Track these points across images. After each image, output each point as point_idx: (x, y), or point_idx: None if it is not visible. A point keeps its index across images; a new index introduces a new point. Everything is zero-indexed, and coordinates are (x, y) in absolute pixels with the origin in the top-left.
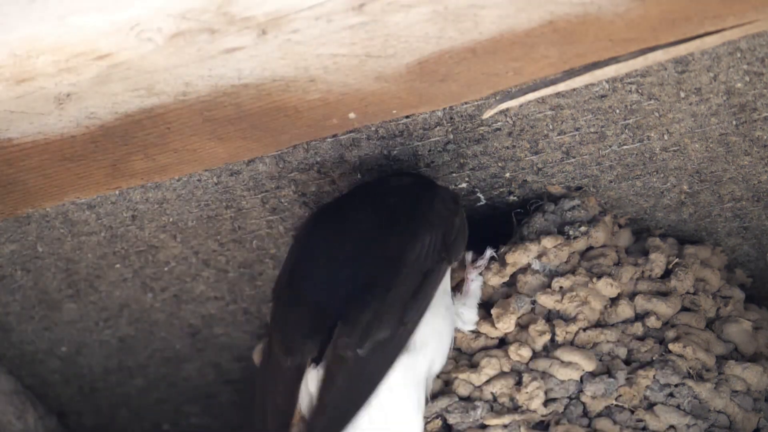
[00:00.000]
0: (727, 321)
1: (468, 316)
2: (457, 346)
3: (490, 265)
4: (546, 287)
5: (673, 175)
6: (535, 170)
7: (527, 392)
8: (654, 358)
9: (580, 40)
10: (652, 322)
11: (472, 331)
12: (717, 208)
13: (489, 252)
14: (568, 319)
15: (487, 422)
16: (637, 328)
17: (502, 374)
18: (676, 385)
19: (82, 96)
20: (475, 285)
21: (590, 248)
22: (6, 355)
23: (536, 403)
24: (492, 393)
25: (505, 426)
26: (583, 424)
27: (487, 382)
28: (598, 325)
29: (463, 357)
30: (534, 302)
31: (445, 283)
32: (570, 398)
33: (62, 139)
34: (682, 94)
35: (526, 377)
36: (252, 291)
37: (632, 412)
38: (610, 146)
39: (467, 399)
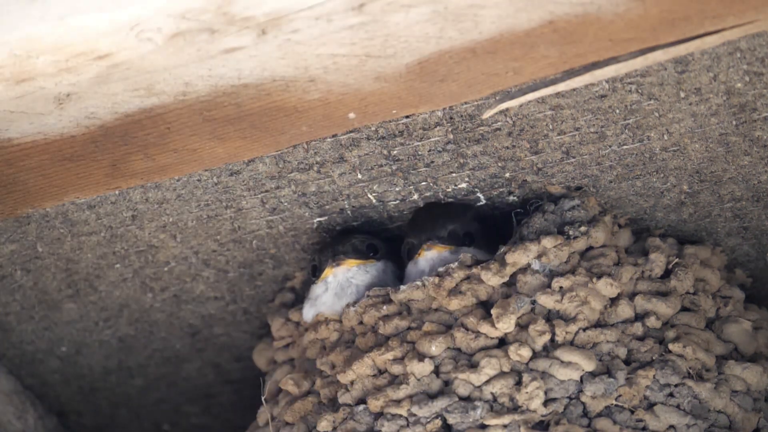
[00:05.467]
0: (727, 321)
1: None
2: (457, 346)
3: (489, 264)
4: (546, 287)
5: (673, 175)
6: (535, 170)
7: (527, 392)
8: (654, 358)
9: (580, 40)
10: (652, 322)
11: (473, 331)
12: (717, 208)
13: None
14: (568, 319)
15: (487, 422)
16: (637, 328)
17: (502, 374)
18: (676, 385)
19: (82, 96)
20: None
21: (590, 248)
22: (6, 355)
23: (536, 403)
24: (492, 393)
25: (505, 426)
26: (583, 424)
27: (487, 382)
28: (598, 325)
29: (462, 357)
30: (534, 302)
31: None
32: (570, 398)
33: (62, 139)
34: (682, 94)
35: (526, 377)
36: (252, 291)
37: (632, 412)
38: (610, 146)
39: (467, 399)
